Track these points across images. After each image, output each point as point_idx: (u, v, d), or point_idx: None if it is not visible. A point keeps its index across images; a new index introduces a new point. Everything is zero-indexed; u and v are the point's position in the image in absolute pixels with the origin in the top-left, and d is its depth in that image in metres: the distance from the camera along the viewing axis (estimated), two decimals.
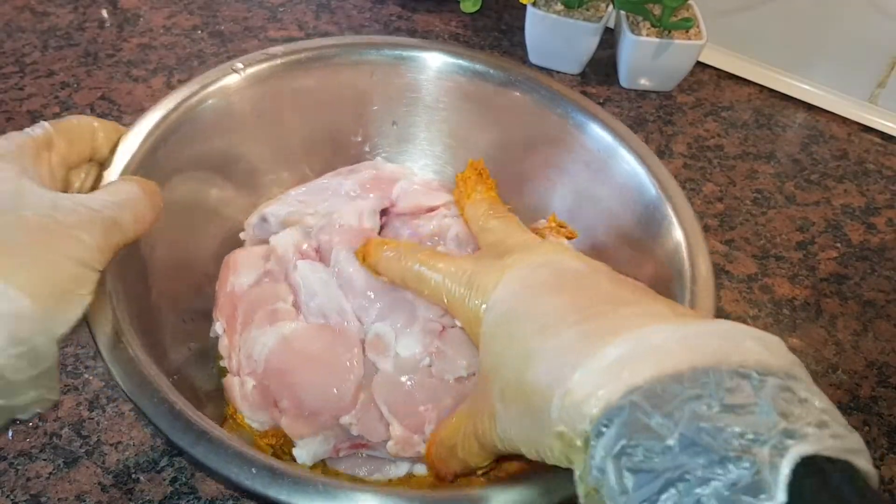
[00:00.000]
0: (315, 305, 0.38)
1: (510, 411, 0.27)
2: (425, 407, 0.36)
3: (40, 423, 0.43)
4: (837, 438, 0.20)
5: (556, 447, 0.24)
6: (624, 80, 0.73)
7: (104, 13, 0.74)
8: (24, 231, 0.27)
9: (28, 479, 0.40)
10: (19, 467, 0.41)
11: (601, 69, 0.75)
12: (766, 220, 0.62)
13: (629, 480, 0.20)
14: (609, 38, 0.76)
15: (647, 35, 0.69)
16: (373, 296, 0.38)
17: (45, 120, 0.33)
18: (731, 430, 0.20)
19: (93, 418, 0.43)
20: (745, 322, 0.36)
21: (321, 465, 0.38)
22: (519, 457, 0.28)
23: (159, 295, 0.38)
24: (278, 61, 0.46)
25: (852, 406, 0.50)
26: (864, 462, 0.20)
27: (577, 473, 0.23)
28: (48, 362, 0.27)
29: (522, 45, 0.74)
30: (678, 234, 0.39)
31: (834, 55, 0.72)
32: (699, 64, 0.76)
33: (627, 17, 0.71)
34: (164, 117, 0.40)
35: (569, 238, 0.44)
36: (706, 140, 0.69)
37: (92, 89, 0.65)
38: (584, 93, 0.70)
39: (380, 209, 0.43)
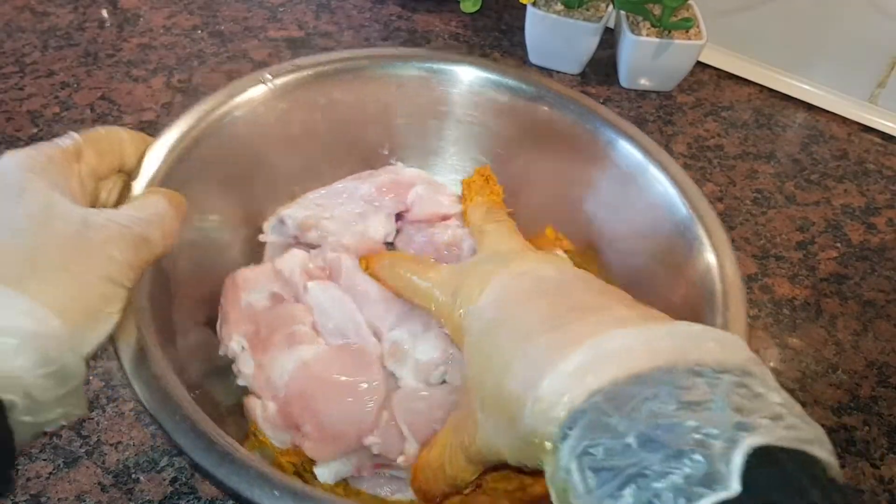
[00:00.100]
0: (333, 326, 0.38)
1: (491, 420, 0.27)
2: (441, 425, 0.36)
3: None
4: (791, 429, 0.21)
5: (530, 452, 0.25)
6: (624, 80, 0.73)
7: (104, 13, 0.74)
8: (53, 248, 0.27)
9: (28, 479, 0.40)
10: (19, 467, 0.41)
11: (601, 69, 0.75)
12: (766, 220, 0.62)
13: (592, 479, 0.21)
14: (609, 38, 0.76)
15: (647, 35, 0.69)
16: (388, 303, 0.38)
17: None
18: (687, 425, 0.20)
19: (93, 418, 0.43)
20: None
21: (343, 484, 0.38)
22: (541, 474, 0.28)
23: (181, 306, 0.38)
24: (307, 72, 0.45)
25: (852, 406, 0.50)
26: (822, 451, 0.21)
27: (547, 476, 0.24)
28: (76, 381, 0.27)
29: (522, 45, 0.74)
30: (710, 256, 0.39)
31: (834, 55, 0.72)
32: (699, 64, 0.76)
33: (627, 17, 0.71)
34: (192, 127, 0.40)
35: (565, 251, 0.44)
36: (706, 140, 0.69)
37: (92, 89, 0.65)
38: (584, 93, 0.70)
39: (395, 213, 0.44)
